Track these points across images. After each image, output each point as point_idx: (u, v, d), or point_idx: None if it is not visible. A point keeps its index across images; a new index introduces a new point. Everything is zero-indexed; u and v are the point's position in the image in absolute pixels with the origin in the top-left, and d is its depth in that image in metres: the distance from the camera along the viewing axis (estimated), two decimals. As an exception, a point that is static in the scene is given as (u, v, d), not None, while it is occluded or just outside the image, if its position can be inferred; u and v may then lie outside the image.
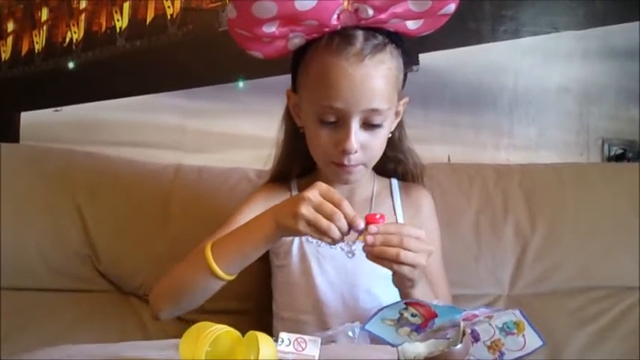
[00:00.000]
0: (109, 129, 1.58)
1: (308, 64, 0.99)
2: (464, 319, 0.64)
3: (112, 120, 1.58)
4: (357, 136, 0.96)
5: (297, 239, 1.08)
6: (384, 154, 1.05)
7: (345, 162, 0.98)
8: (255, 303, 1.22)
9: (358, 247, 1.02)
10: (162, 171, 1.36)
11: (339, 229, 0.85)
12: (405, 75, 1.03)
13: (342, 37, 0.95)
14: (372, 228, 0.87)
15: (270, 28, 0.94)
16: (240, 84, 1.56)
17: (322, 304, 1.04)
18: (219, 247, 0.94)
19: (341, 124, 0.97)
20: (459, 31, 1.51)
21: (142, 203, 1.32)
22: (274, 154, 1.13)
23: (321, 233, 0.86)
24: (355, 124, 0.96)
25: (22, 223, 1.29)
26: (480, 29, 1.54)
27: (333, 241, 0.86)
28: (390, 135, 1.05)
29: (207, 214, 1.27)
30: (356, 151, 0.97)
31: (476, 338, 0.64)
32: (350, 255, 1.06)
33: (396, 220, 1.10)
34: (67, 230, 1.30)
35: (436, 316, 0.66)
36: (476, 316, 0.66)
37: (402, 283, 0.91)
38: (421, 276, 0.91)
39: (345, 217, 0.86)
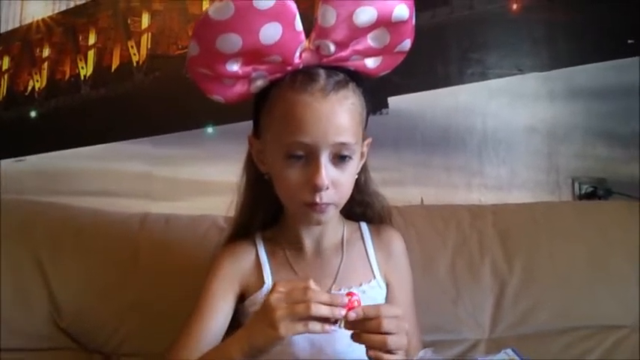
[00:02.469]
0: (73, 178, 1.55)
1: (271, 104, 0.98)
2: None
3: (77, 169, 1.56)
4: (327, 170, 0.95)
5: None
6: (351, 197, 1.03)
7: (317, 199, 0.95)
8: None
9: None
10: (128, 220, 1.33)
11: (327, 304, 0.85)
12: (367, 115, 1.03)
13: (304, 75, 0.95)
14: (351, 314, 0.86)
15: (233, 67, 0.94)
16: (209, 129, 1.55)
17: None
18: None
19: (310, 160, 0.95)
20: (427, 74, 1.53)
21: (107, 255, 1.27)
22: (236, 202, 1.10)
23: (307, 322, 0.84)
24: (324, 159, 0.95)
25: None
26: (448, 72, 1.57)
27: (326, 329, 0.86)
28: (356, 177, 1.04)
29: (175, 264, 1.24)
30: (327, 187, 0.95)
31: None
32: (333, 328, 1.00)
33: (370, 264, 1.08)
34: (28, 286, 1.25)
35: None
36: None
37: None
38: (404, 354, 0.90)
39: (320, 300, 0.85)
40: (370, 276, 1.07)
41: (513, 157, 1.57)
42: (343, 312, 0.85)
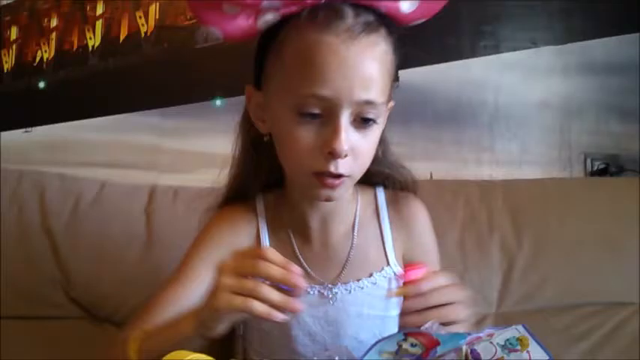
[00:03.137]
0: (81, 150, 1.55)
1: (283, 44, 0.81)
2: (467, 343, 0.60)
3: (85, 140, 1.55)
4: (347, 134, 0.79)
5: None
6: (368, 169, 0.89)
7: (332, 169, 0.80)
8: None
9: (340, 290, 0.91)
10: (137, 192, 1.33)
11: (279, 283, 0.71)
12: (397, 72, 0.86)
13: (328, 10, 0.78)
14: (422, 287, 0.77)
15: None
16: (218, 101, 1.53)
17: (302, 356, 0.90)
18: (147, 350, 0.79)
19: (327, 119, 0.79)
20: (439, 46, 1.51)
21: (116, 225, 1.28)
22: (228, 173, 0.96)
23: (246, 301, 0.70)
24: (345, 119, 0.78)
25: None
26: (460, 45, 1.54)
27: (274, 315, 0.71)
28: None
29: (183, 235, 1.22)
30: (346, 155, 0.79)
31: (476, 358, 0.59)
32: (331, 301, 0.90)
33: (384, 248, 0.94)
34: (38, 255, 1.25)
35: (438, 344, 0.61)
36: (479, 338, 0.62)
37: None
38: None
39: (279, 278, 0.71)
40: (383, 262, 0.93)
41: (525, 133, 1.55)
42: (297, 305, 0.71)
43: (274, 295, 0.70)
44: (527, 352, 0.61)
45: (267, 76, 0.85)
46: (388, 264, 0.93)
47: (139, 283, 1.23)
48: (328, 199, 0.86)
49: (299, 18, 0.79)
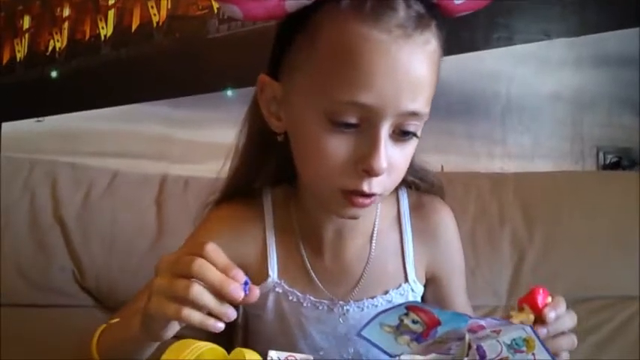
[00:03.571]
0: (92, 139, 1.55)
1: (316, 33, 0.68)
2: (469, 330, 0.59)
3: (96, 130, 1.55)
4: (387, 150, 0.68)
5: (271, 294, 0.84)
6: None
7: (365, 188, 0.69)
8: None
9: (352, 307, 0.83)
10: (148, 182, 1.33)
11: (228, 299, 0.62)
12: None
13: None
14: (551, 315, 0.68)
15: None
16: (229, 92, 1.53)
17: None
18: (105, 343, 0.76)
19: (365, 129, 0.67)
20: (452, 38, 1.48)
21: (127, 215, 1.28)
22: (230, 166, 0.86)
23: (179, 309, 0.61)
24: (385, 131, 0.67)
25: (2, 237, 1.24)
26: (474, 36, 1.53)
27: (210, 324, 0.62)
28: None
29: (193, 225, 1.24)
30: (383, 172, 0.68)
31: (482, 356, 0.58)
32: (341, 319, 0.83)
33: (403, 262, 0.85)
34: (49, 244, 1.25)
35: (439, 323, 0.60)
36: (482, 327, 0.61)
37: None
38: None
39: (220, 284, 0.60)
40: (401, 278, 0.85)
41: (537, 126, 1.55)
42: (231, 313, 0.62)
43: (208, 301, 0.61)
44: (533, 354, 0.60)
45: (290, 67, 0.72)
46: (407, 280, 0.85)
47: (149, 272, 1.21)
48: (353, 217, 0.76)
49: (338, 4, 0.67)
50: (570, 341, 0.70)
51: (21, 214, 1.26)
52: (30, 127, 1.56)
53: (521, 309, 0.69)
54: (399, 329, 0.64)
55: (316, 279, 0.83)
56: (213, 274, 0.60)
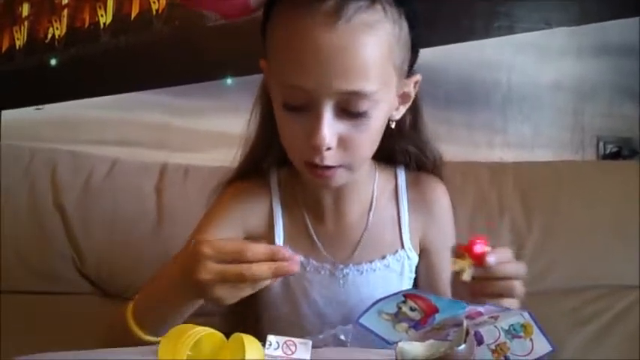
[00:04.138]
0: (92, 127, 1.55)
1: (272, 26, 0.76)
2: (467, 317, 0.60)
3: (96, 118, 1.55)
4: (331, 127, 0.73)
5: None
6: (390, 146, 0.86)
7: (317, 160, 0.75)
8: (240, 308, 1.17)
9: (351, 271, 0.89)
10: (148, 170, 1.33)
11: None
12: (415, 44, 0.79)
13: None
14: (491, 259, 0.72)
15: None
16: (229, 81, 1.53)
17: (311, 336, 0.83)
18: (142, 315, 0.79)
19: (310, 110, 0.74)
20: (452, 27, 1.49)
21: (127, 203, 1.28)
22: (243, 151, 0.93)
23: (255, 285, 0.70)
24: (327, 112, 0.73)
25: (2, 224, 1.25)
26: (474, 25, 1.52)
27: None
28: (395, 124, 0.83)
29: (193, 213, 1.22)
30: (329, 148, 0.74)
31: (479, 341, 0.59)
32: (342, 282, 0.89)
33: (400, 231, 0.90)
34: (49, 231, 1.26)
35: (437, 311, 0.61)
36: (480, 313, 0.61)
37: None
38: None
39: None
40: (397, 245, 0.90)
41: (538, 115, 1.54)
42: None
43: (264, 272, 0.68)
44: (531, 339, 0.61)
45: (266, 54, 0.80)
46: (403, 247, 0.90)
47: (149, 259, 1.23)
48: (326, 187, 0.84)
49: None
50: (510, 286, 0.73)
51: (21, 202, 1.27)
52: (30, 115, 1.56)
53: (461, 256, 0.72)
54: (397, 317, 0.64)
55: (318, 243, 0.89)
56: (265, 270, 0.68)
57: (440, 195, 0.93)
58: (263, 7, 0.79)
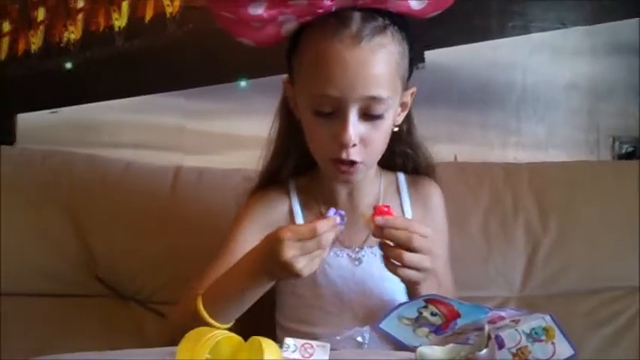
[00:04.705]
0: (107, 130, 1.54)
1: (301, 50, 0.93)
2: (489, 322, 0.59)
3: (111, 121, 1.54)
4: (355, 127, 0.89)
5: None
6: (391, 148, 1.00)
7: (344, 156, 0.91)
8: (255, 309, 1.18)
9: (366, 253, 1.00)
10: (162, 173, 1.34)
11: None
12: (412, 62, 0.96)
13: (336, 18, 0.89)
14: (379, 219, 0.86)
15: (257, 10, 0.88)
16: (243, 83, 1.53)
17: (331, 316, 0.98)
18: (211, 301, 0.89)
19: (338, 115, 0.90)
20: (466, 27, 1.48)
21: (141, 206, 1.29)
22: (265, 154, 1.07)
23: (323, 258, 0.86)
24: (353, 114, 0.89)
25: (17, 228, 1.26)
26: (488, 25, 1.50)
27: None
28: (398, 129, 1.00)
29: (208, 216, 1.25)
30: (354, 145, 0.90)
31: (500, 345, 0.58)
32: (357, 263, 1.00)
33: (403, 215, 1.04)
34: (64, 235, 1.28)
35: (459, 316, 0.61)
36: (502, 318, 0.61)
37: (407, 281, 0.90)
38: (427, 276, 0.87)
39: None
40: None
41: (552, 115, 1.52)
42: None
43: (331, 237, 0.84)
44: (552, 343, 0.60)
45: (294, 75, 0.96)
46: None
47: (163, 262, 1.25)
48: (346, 182, 0.99)
49: (312, 26, 0.90)
50: (397, 254, 0.85)
51: (35, 205, 1.28)
52: (45, 118, 1.56)
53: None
54: (418, 321, 0.64)
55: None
56: (331, 235, 0.84)
57: (434, 193, 1.08)
58: (289, 38, 0.94)
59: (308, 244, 0.82)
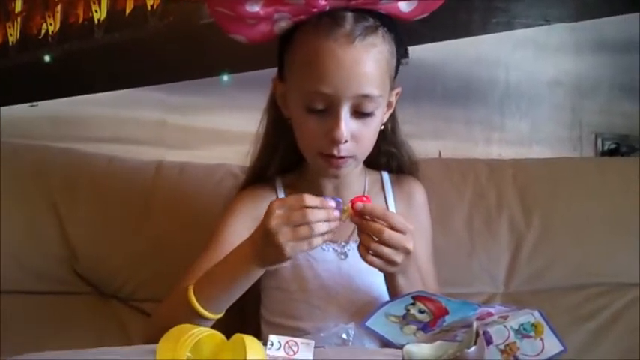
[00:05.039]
0: (87, 124, 1.52)
1: (294, 48, 0.95)
2: (477, 318, 0.58)
3: (91, 115, 1.52)
4: (347, 124, 0.91)
5: None
6: (377, 147, 1.01)
7: (335, 152, 0.93)
8: (239, 305, 1.17)
9: (352, 247, 1.00)
10: (143, 168, 1.32)
11: (325, 221, 0.83)
12: (399, 63, 0.98)
13: (330, 18, 0.91)
14: (359, 205, 0.86)
15: (254, 8, 0.89)
16: (225, 77, 1.51)
17: (317, 311, 0.99)
18: (202, 290, 0.89)
19: (330, 111, 0.92)
20: (449, 23, 1.48)
21: (122, 201, 1.28)
22: (253, 150, 1.08)
23: (311, 240, 0.83)
24: (345, 112, 0.91)
25: (-3, 223, 1.23)
26: (471, 21, 1.50)
27: (329, 236, 0.85)
28: (383, 128, 1.01)
29: (189, 211, 1.24)
30: (346, 141, 0.92)
31: (488, 341, 0.58)
32: (343, 256, 1.01)
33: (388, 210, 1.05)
34: (44, 230, 1.26)
35: (447, 312, 0.60)
36: (491, 314, 0.60)
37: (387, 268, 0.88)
38: (398, 269, 0.88)
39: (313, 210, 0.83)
40: None
41: (535, 112, 1.52)
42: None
43: (324, 227, 0.83)
44: (541, 339, 0.60)
45: (286, 72, 0.98)
46: None
47: (145, 258, 1.24)
48: (335, 177, 1.00)
49: (307, 25, 0.92)
50: (366, 241, 0.86)
51: (14, 200, 1.26)
52: (24, 111, 1.53)
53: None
54: (406, 319, 0.64)
55: None
56: (321, 212, 0.83)
57: (418, 192, 1.10)
58: (281, 36, 0.95)
59: (294, 215, 0.82)
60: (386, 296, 0.93)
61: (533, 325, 0.59)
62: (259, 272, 0.89)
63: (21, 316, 1.22)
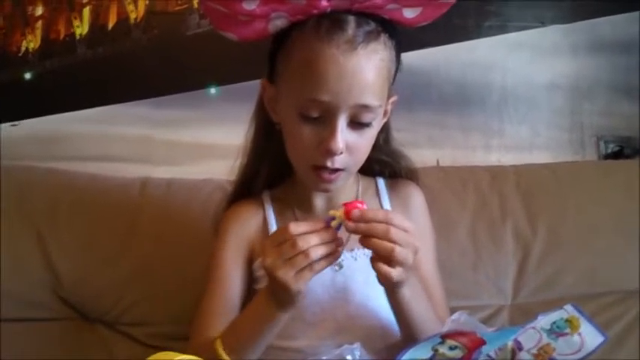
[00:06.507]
0: (70, 142, 1.50)
1: (291, 49, 0.89)
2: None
3: (74, 133, 1.50)
4: (343, 134, 0.87)
5: None
6: (369, 156, 0.96)
7: (328, 164, 0.88)
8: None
9: (346, 257, 0.95)
10: (129, 185, 1.29)
11: (320, 246, 0.80)
12: (397, 71, 0.94)
13: (331, 21, 0.85)
14: (355, 212, 0.81)
15: (251, 5, 0.85)
16: (212, 90, 1.48)
17: (312, 328, 0.94)
18: (231, 344, 0.88)
19: (325, 120, 0.87)
20: (443, 27, 1.45)
21: (107, 221, 1.24)
22: (241, 161, 1.04)
23: (312, 266, 0.80)
24: (342, 121, 0.86)
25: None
26: (465, 25, 1.48)
27: (335, 256, 0.82)
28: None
29: (177, 229, 1.21)
30: (341, 152, 0.88)
31: (518, 348, 0.52)
32: (337, 268, 0.95)
33: None
34: (26, 254, 1.22)
35: (483, 343, 0.54)
36: (534, 329, 0.54)
37: (387, 281, 0.84)
38: (409, 274, 0.84)
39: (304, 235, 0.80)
40: None
41: (534, 116, 1.50)
42: (333, 245, 0.81)
43: (322, 251, 0.80)
44: (579, 334, 0.54)
45: (277, 74, 0.93)
46: None
47: (132, 279, 1.20)
48: (325, 191, 0.95)
49: (305, 26, 0.87)
50: (396, 251, 0.80)
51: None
52: (5, 131, 1.50)
53: (339, 209, 0.82)
54: None
55: None
56: (312, 237, 0.80)
57: (414, 194, 1.05)
58: (275, 35, 0.90)
59: (283, 248, 0.80)
60: (385, 308, 0.90)
61: (567, 320, 0.54)
62: (283, 315, 0.87)
63: (5, 344, 1.16)
